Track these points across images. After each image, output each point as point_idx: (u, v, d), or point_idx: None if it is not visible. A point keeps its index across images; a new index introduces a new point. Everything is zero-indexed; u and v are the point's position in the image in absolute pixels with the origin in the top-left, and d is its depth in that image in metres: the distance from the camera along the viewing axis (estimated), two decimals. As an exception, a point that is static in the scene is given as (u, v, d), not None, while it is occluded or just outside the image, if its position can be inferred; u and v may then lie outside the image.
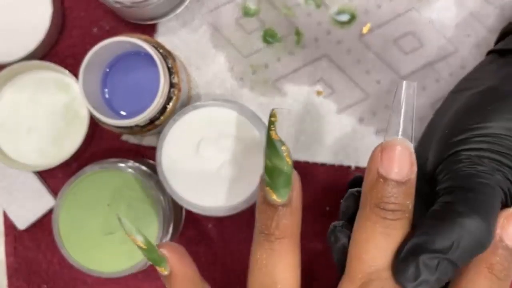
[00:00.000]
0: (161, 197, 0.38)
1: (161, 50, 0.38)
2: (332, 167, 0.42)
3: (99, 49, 0.37)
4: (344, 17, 0.42)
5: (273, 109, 0.26)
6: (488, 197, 0.25)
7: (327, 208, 0.42)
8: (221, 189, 0.36)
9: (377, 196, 0.25)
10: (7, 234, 0.44)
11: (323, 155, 0.42)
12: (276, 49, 0.42)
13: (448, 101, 0.34)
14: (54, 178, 0.44)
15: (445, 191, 0.27)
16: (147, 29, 0.43)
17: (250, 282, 0.27)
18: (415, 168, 0.25)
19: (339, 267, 0.27)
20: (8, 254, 0.44)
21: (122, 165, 0.38)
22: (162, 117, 0.38)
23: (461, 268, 0.26)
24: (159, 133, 0.38)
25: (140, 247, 0.26)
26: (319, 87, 0.42)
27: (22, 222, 0.43)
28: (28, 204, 0.43)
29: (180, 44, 0.43)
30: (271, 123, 0.26)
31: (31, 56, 0.41)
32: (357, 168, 0.42)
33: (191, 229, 0.43)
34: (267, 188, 0.26)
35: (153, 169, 0.40)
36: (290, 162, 0.26)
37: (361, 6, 0.42)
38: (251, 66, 0.42)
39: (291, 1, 0.42)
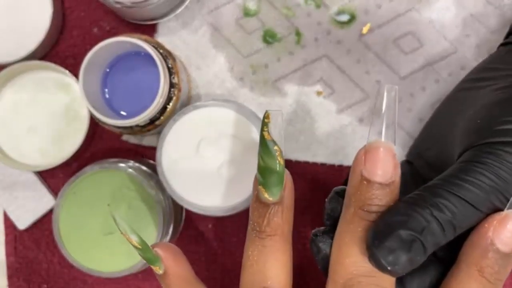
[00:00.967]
0: (161, 197, 0.38)
1: (161, 50, 0.38)
2: (332, 167, 0.42)
3: (99, 49, 0.37)
4: (344, 17, 0.42)
5: (266, 111, 0.27)
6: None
7: (327, 208, 0.42)
8: (221, 189, 0.36)
9: (360, 199, 0.25)
10: (7, 234, 0.44)
11: (323, 155, 0.42)
12: (276, 49, 0.42)
13: (465, 92, 0.33)
14: (54, 178, 0.44)
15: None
16: (147, 29, 0.43)
17: (242, 278, 0.28)
18: (398, 171, 0.25)
19: (325, 274, 0.28)
20: (8, 254, 0.44)
21: (122, 165, 0.38)
22: (162, 117, 0.38)
23: (452, 270, 0.26)
24: (159, 133, 0.38)
25: (135, 247, 0.27)
26: (319, 87, 0.42)
27: (22, 222, 0.43)
28: (28, 204, 0.43)
29: (180, 44, 0.43)
30: (264, 124, 0.27)
31: (32, 56, 0.41)
32: (357, 168, 0.42)
33: (191, 229, 0.43)
34: (260, 187, 0.27)
35: (153, 169, 0.40)
36: (282, 162, 0.27)
37: (361, 6, 0.42)
38: (251, 66, 0.42)
39: (291, 1, 0.42)
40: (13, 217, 0.43)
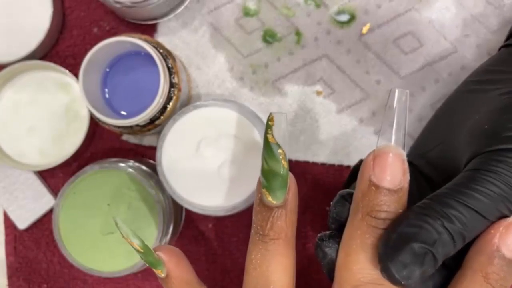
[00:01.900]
0: (161, 197, 0.38)
1: (161, 50, 0.38)
2: (332, 167, 0.42)
3: (99, 49, 0.37)
4: (344, 17, 0.42)
5: (270, 114, 0.27)
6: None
7: (327, 208, 0.42)
8: (221, 189, 0.36)
9: (368, 205, 0.25)
10: (7, 234, 0.44)
11: (323, 155, 0.42)
12: (276, 49, 0.42)
13: (469, 94, 0.32)
14: (54, 177, 0.44)
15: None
16: (147, 29, 0.43)
17: (245, 282, 0.28)
18: (407, 177, 0.25)
19: (330, 278, 0.27)
20: (8, 254, 0.44)
21: (122, 165, 0.38)
22: (162, 117, 0.38)
23: (457, 275, 0.26)
24: (159, 133, 0.38)
25: (137, 250, 0.27)
26: (319, 87, 0.42)
27: (22, 222, 0.43)
28: (28, 204, 0.43)
29: (180, 44, 0.43)
30: (268, 127, 0.27)
31: (32, 56, 0.41)
32: (357, 168, 0.42)
33: (191, 229, 0.43)
34: (264, 190, 0.27)
35: (153, 169, 0.40)
36: (286, 165, 0.26)
37: (361, 6, 0.42)
38: (251, 66, 0.43)
39: (291, 1, 0.42)
40: (13, 217, 0.43)
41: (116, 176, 0.38)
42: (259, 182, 0.27)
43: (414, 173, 0.35)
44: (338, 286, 0.26)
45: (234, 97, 0.42)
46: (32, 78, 0.42)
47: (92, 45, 0.37)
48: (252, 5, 0.43)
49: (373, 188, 0.25)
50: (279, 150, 0.26)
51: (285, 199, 0.27)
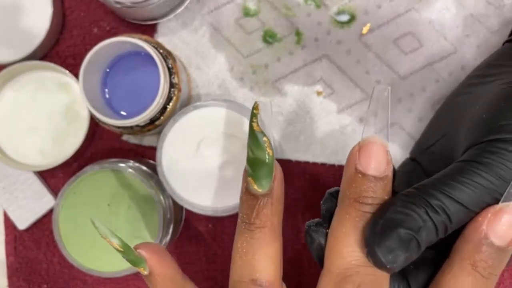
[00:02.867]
0: (161, 197, 0.38)
1: (161, 50, 0.38)
2: (332, 167, 0.42)
3: (99, 49, 0.37)
4: (344, 17, 0.42)
5: (256, 102, 0.27)
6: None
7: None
8: (221, 189, 0.36)
9: (355, 191, 0.26)
10: (7, 234, 0.44)
11: (323, 155, 0.42)
12: (276, 49, 0.42)
13: (471, 88, 0.33)
14: (54, 178, 0.44)
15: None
16: (147, 29, 0.43)
17: (232, 271, 0.28)
18: (391, 167, 0.26)
19: (320, 264, 0.28)
20: (8, 254, 0.44)
21: (122, 165, 0.38)
22: (162, 117, 0.38)
23: (445, 264, 0.26)
24: (159, 133, 0.38)
25: (117, 250, 0.27)
26: (319, 87, 0.42)
27: (22, 222, 0.43)
28: (28, 204, 0.43)
29: (180, 44, 0.43)
30: (254, 115, 0.27)
31: (32, 56, 0.41)
32: (357, 168, 0.42)
33: (191, 229, 0.43)
34: (249, 179, 0.27)
35: (153, 169, 0.40)
36: (271, 153, 0.27)
37: (361, 6, 0.42)
38: (251, 66, 0.43)
39: (291, 1, 0.42)
40: (13, 217, 0.43)
41: (116, 176, 0.38)
42: (245, 171, 0.27)
43: (417, 171, 0.35)
44: (327, 270, 0.26)
45: (234, 97, 0.42)
46: (32, 78, 0.42)
47: (92, 45, 0.37)
48: (252, 5, 0.43)
49: (360, 175, 0.25)
50: (264, 138, 0.26)
51: (270, 187, 0.27)
